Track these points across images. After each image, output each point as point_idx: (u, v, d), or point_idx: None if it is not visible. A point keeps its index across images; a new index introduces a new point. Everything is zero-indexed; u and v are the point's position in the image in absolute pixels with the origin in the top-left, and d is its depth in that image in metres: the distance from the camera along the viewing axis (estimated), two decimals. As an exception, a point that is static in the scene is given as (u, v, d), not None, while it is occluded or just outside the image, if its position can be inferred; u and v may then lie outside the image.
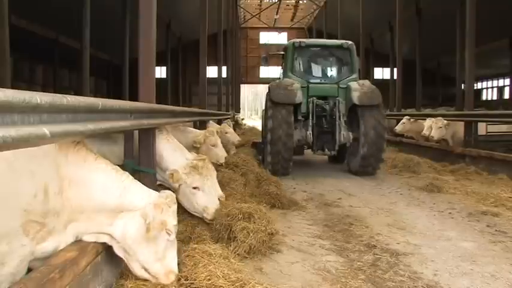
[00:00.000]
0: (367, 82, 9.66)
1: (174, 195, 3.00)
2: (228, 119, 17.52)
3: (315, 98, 9.55)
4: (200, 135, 6.80)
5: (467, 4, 10.78)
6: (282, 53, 10.90)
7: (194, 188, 4.29)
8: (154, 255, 2.75)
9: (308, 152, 10.55)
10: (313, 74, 10.37)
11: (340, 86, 9.71)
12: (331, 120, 9.36)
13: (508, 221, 5.25)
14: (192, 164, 4.38)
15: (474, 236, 4.64)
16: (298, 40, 10.55)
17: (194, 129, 7.61)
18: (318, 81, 10.10)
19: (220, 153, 7.06)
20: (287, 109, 8.91)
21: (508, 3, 19.85)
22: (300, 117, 9.53)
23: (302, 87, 9.41)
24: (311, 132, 9.27)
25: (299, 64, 10.35)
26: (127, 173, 2.91)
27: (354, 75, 10.00)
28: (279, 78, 10.67)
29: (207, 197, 4.36)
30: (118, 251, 2.77)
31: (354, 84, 9.39)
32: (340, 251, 4.13)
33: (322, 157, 11.30)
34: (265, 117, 9.78)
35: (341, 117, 9.32)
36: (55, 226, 2.51)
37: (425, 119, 11.56)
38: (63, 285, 2.25)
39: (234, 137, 9.57)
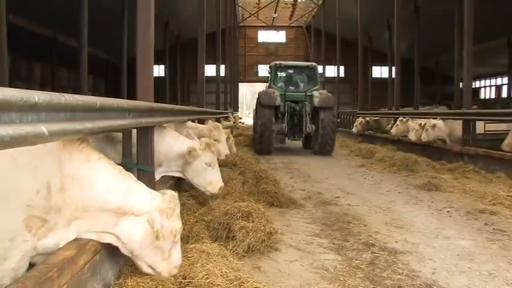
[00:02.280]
0: (324, 91, 13.82)
1: (176, 196, 2.99)
2: (229, 118, 17.67)
3: (289, 102, 13.74)
4: (205, 129, 7.60)
5: (465, 3, 10.79)
6: (269, 70, 15.19)
7: (207, 163, 4.73)
8: (161, 257, 2.79)
9: (290, 142, 15.48)
10: (289, 86, 14.68)
11: (307, 94, 13.76)
12: (300, 117, 13.62)
13: (506, 219, 5.26)
14: (208, 142, 4.87)
15: (472, 235, 4.65)
16: (278, 62, 15.28)
17: (200, 125, 8.20)
18: (292, 90, 14.35)
19: (223, 149, 7.61)
20: (270, 109, 13.10)
21: (506, 3, 19.87)
22: (279, 115, 13.63)
23: (281, 94, 13.60)
24: (286, 125, 13.49)
25: (279, 78, 14.93)
26: (130, 173, 2.90)
27: (317, 87, 14.15)
28: (268, 76, 15.07)
29: (216, 174, 4.81)
30: (124, 251, 2.79)
31: (315, 93, 13.44)
32: (338, 250, 4.13)
33: (298, 144, 15.65)
34: (255, 115, 13.84)
35: (307, 115, 13.44)
36: (57, 223, 2.51)
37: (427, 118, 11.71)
38: (62, 284, 2.25)
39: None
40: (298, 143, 15.54)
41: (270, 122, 12.82)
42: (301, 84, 14.75)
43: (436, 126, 10.65)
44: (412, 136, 11.63)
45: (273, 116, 13.09)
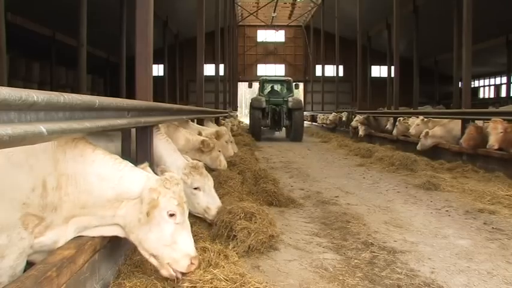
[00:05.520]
0: (296, 97, 20.23)
1: (176, 176, 2.81)
2: (231, 118, 18.43)
3: (272, 105, 19.50)
4: (218, 130, 7.95)
5: (464, 2, 10.79)
6: (258, 81, 21.75)
7: (195, 188, 4.24)
8: (162, 241, 2.60)
9: (279, 134, 21.58)
10: (272, 94, 20.62)
11: (284, 99, 19.55)
12: (279, 115, 19.39)
13: (505, 218, 5.27)
14: (193, 164, 4.34)
15: (471, 234, 4.65)
16: (265, 77, 22.22)
17: (210, 128, 8.59)
18: (274, 97, 20.04)
19: (231, 149, 8.34)
20: (259, 110, 18.90)
21: (505, 2, 19.89)
22: (265, 114, 19.32)
23: (266, 100, 19.44)
24: (270, 121, 19.46)
25: (265, 89, 21.03)
26: (126, 161, 2.81)
27: (291, 94, 20.21)
28: (261, 78, 22.28)
29: (208, 198, 4.31)
30: (131, 239, 2.69)
31: (290, 99, 19.36)
32: (337, 249, 4.13)
33: (283, 135, 21.11)
34: (249, 114, 19.98)
35: (283, 114, 19.24)
36: (53, 220, 2.51)
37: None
38: (60, 283, 2.25)
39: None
40: (283, 134, 21.20)
41: (259, 119, 18.83)
42: (281, 93, 20.79)
43: (428, 135, 10.63)
44: (412, 130, 11.59)
45: (261, 115, 18.93)
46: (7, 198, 2.30)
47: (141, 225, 2.60)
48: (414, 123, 11.82)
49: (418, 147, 10.75)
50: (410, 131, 11.71)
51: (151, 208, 2.57)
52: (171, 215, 2.62)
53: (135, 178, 2.70)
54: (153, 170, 4.33)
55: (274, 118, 19.53)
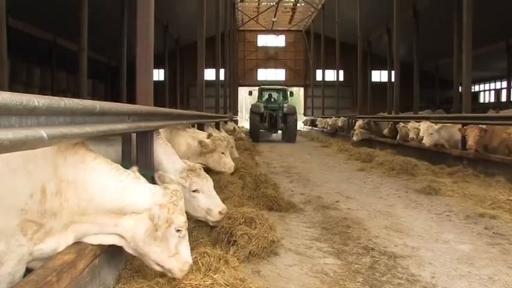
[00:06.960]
0: (291, 104, 22.94)
1: (179, 190, 2.87)
2: (235, 125, 18.67)
3: (269, 110, 22.37)
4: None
5: (464, 7, 10.82)
6: (257, 89, 25.23)
7: (194, 191, 4.11)
8: (167, 253, 2.72)
9: (276, 136, 24.46)
10: (270, 100, 23.79)
11: (280, 105, 22.56)
12: (275, 119, 22.36)
13: (506, 223, 5.26)
14: (190, 167, 4.27)
15: (472, 239, 4.65)
16: (263, 86, 26.32)
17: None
18: (271, 104, 23.10)
19: (234, 153, 8.68)
20: (257, 115, 21.84)
21: (505, 6, 19.94)
22: (263, 119, 22.27)
23: (264, 106, 22.44)
24: (267, 124, 22.48)
25: (263, 96, 24.31)
26: (128, 171, 2.81)
27: (286, 101, 23.25)
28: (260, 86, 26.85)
29: (209, 199, 4.16)
30: (129, 250, 2.74)
31: (285, 105, 22.40)
32: (338, 254, 4.13)
33: (279, 137, 24.04)
34: (249, 119, 22.96)
35: (279, 118, 22.29)
36: (53, 227, 2.49)
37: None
38: (61, 288, 2.24)
39: None
40: (279, 136, 24.11)
41: (258, 122, 21.78)
42: (277, 100, 23.78)
43: (442, 129, 10.64)
44: (426, 140, 11.51)
45: (259, 119, 21.91)
46: (5, 204, 2.28)
47: (150, 241, 2.68)
48: (425, 125, 11.71)
49: (425, 140, 10.76)
50: (421, 132, 11.62)
51: (161, 223, 2.67)
52: (178, 230, 2.75)
53: (139, 191, 2.73)
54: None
55: (271, 122, 22.60)
